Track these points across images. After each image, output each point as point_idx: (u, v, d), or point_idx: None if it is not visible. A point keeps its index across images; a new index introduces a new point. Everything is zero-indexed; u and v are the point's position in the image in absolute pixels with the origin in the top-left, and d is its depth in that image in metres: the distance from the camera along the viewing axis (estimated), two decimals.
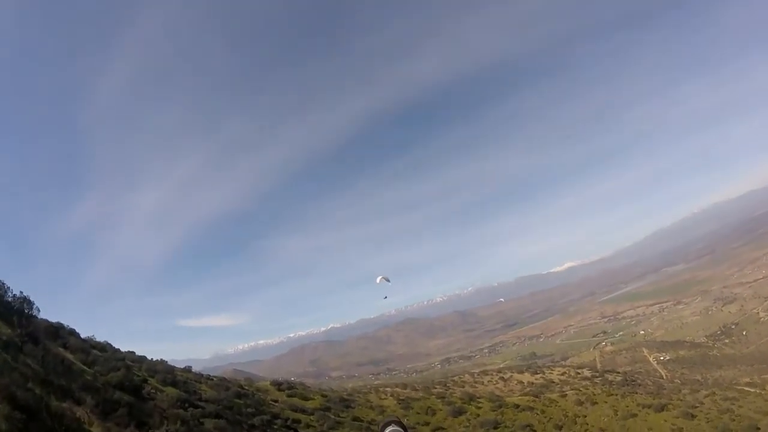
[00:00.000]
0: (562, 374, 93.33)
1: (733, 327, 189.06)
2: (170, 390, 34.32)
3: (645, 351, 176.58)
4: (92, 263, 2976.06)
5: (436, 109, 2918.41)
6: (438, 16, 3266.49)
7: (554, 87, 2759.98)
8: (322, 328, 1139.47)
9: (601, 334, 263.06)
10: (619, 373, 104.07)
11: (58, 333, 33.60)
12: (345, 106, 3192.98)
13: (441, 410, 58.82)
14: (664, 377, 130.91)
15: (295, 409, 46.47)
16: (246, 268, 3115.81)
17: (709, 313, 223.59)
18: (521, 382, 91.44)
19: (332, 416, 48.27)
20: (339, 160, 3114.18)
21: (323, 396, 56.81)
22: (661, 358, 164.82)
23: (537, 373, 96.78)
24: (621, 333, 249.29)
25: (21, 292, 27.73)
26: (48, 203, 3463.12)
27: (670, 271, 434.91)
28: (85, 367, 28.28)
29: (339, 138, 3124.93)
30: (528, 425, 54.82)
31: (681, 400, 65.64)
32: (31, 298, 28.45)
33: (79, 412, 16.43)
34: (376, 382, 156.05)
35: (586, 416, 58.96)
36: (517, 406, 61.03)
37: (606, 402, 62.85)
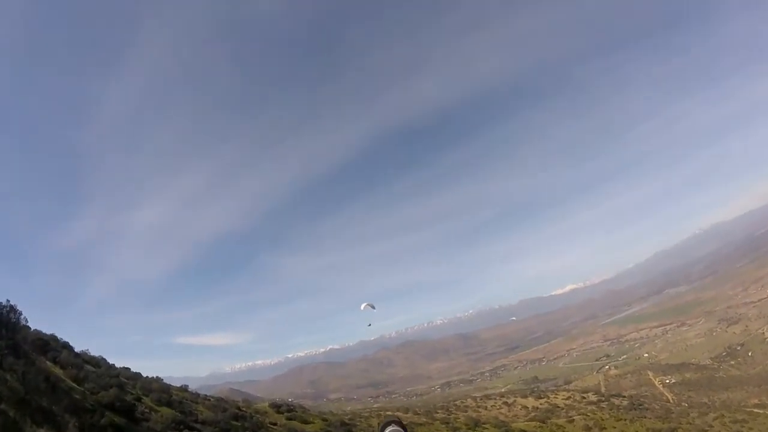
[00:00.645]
0: (567, 398, 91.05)
1: (739, 348, 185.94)
2: (165, 410, 32.52)
3: (650, 374, 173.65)
4: (91, 277, 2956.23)
5: (438, 129, 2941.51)
6: (439, 36, 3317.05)
7: (555, 107, 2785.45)
8: (322, 349, 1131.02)
9: (605, 358, 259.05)
10: (625, 397, 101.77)
11: (48, 346, 31.58)
12: (347, 127, 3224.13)
13: None
14: (671, 401, 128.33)
15: None
16: (246, 287, 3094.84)
17: (714, 334, 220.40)
18: (525, 407, 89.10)
19: None
20: (341, 180, 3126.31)
21: (323, 420, 54.60)
22: (667, 381, 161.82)
23: (541, 398, 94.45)
24: (625, 356, 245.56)
25: (7, 300, 25.24)
26: (48, 215, 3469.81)
27: (673, 292, 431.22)
28: (74, 385, 26.29)
29: (341, 158, 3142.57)
30: None
31: (690, 424, 63.81)
32: (18, 307, 26.03)
33: None
34: (375, 405, 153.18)
35: None
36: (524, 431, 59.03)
37: (615, 427, 60.98)
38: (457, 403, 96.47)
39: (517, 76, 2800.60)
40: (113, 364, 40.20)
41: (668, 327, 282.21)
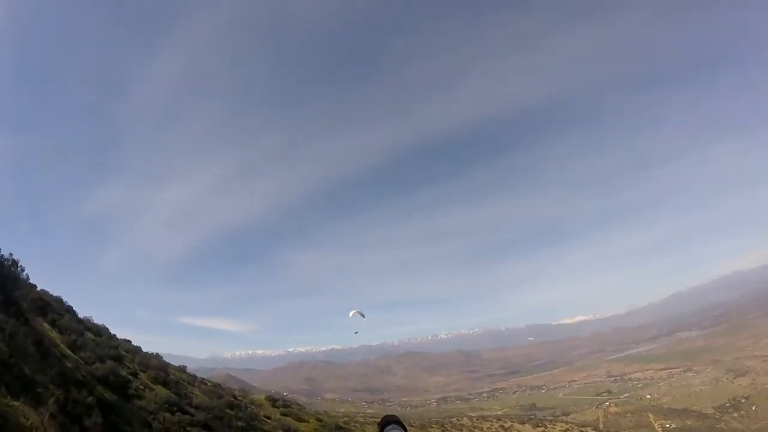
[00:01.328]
0: (565, 430, 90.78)
1: (743, 400, 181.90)
2: (160, 390, 31.81)
3: (651, 416, 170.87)
4: (108, 247, 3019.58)
5: (466, 147, 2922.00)
6: (474, 56, 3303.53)
7: (583, 137, 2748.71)
8: (323, 348, 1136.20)
9: (606, 393, 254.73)
10: None
11: (50, 307, 29.45)
12: (378, 133, 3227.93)
13: None
14: None
15: (288, 431, 44.39)
16: (257, 277, 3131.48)
17: (720, 383, 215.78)
18: None
19: None
20: (366, 185, 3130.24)
21: (318, 420, 55.20)
22: (667, 425, 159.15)
23: (539, 426, 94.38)
24: (626, 394, 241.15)
25: (10, 254, 23.13)
26: (78, 180, 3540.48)
27: (684, 336, 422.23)
28: (69, 352, 24.33)
29: (369, 163, 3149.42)
30: None
31: None
32: (21, 263, 23.87)
33: (33, 416, 11.96)
34: (369, 411, 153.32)
35: None
36: None
37: None
38: (453, 420, 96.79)
39: (549, 102, 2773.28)
40: (114, 335, 39.41)
41: (674, 371, 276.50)
